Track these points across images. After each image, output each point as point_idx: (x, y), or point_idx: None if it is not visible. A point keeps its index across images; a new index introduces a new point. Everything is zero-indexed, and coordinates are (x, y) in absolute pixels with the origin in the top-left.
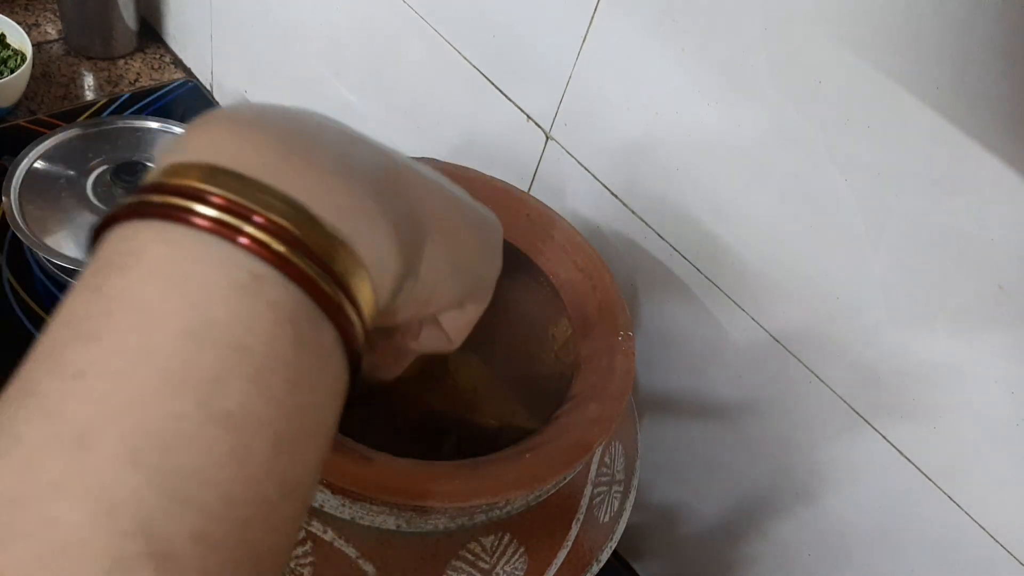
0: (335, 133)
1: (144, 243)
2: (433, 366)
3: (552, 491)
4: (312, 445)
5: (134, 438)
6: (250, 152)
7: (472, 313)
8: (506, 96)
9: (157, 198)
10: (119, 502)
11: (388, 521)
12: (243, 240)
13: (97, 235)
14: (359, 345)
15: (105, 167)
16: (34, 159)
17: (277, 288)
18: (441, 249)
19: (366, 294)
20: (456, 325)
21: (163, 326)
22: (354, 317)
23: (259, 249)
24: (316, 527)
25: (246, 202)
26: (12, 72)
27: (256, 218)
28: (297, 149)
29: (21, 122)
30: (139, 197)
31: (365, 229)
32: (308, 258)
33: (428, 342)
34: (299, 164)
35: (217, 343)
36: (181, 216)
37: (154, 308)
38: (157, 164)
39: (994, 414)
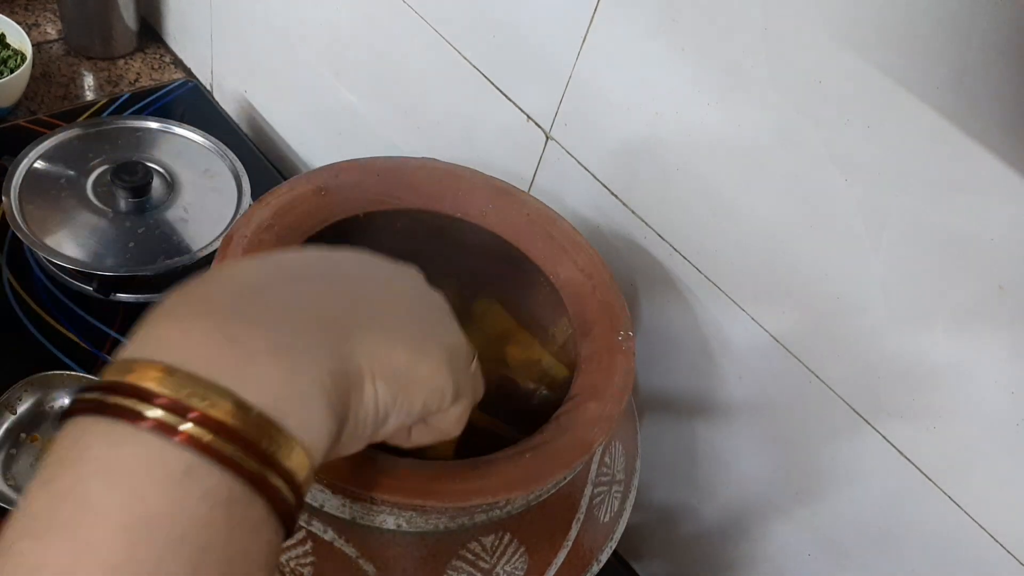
0: (282, 296)
1: (91, 440)
2: (458, 316)
3: (552, 491)
4: None
5: None
6: (192, 347)
7: (460, 408)
8: (506, 96)
9: (108, 398)
10: None
11: (388, 521)
12: (179, 437)
13: (61, 421)
14: (290, 506)
15: (105, 167)
16: (34, 159)
17: (210, 476)
18: (379, 386)
19: (297, 460)
20: (446, 424)
21: (105, 521)
22: (282, 485)
23: (193, 443)
24: (316, 527)
25: (184, 399)
26: (12, 72)
27: (191, 414)
28: (237, 337)
29: (21, 122)
30: (93, 395)
31: (294, 404)
32: (237, 444)
33: (423, 438)
34: (236, 354)
35: (155, 536)
36: (124, 415)
37: (96, 504)
38: (116, 357)
39: (994, 414)
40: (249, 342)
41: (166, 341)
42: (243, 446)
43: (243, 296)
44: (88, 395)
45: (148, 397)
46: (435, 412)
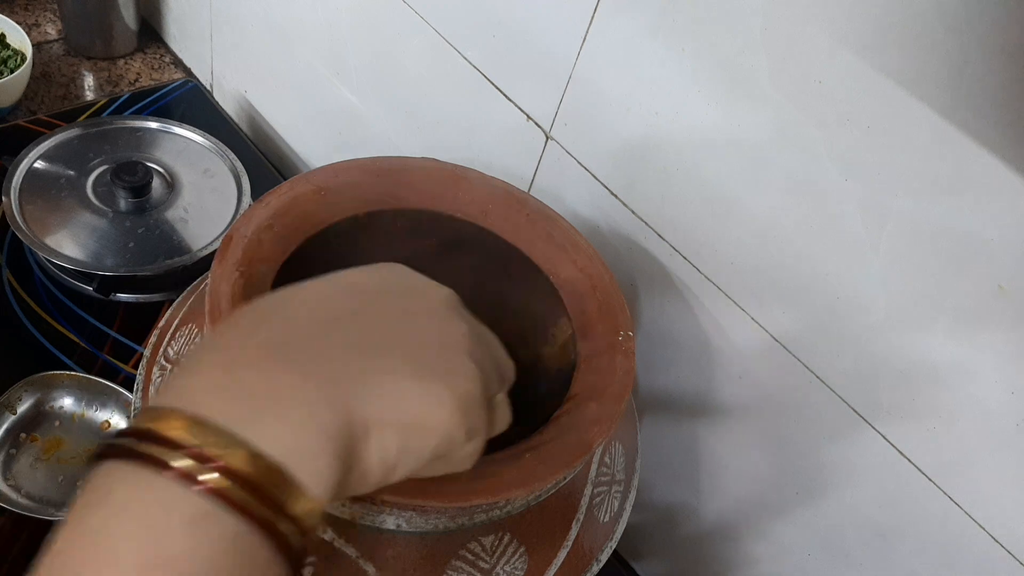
0: (300, 347)
1: (115, 485)
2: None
3: (552, 491)
4: None
5: None
6: (213, 400)
7: (472, 447)
8: (506, 96)
9: (136, 445)
10: None
11: (388, 521)
12: (198, 485)
13: (91, 464)
14: (296, 548)
15: (105, 167)
16: (34, 159)
17: (222, 521)
18: (387, 439)
19: (305, 505)
20: (458, 461)
21: (126, 561)
22: (289, 529)
23: (209, 490)
24: None
25: (205, 450)
26: (12, 72)
27: (211, 464)
28: (254, 391)
29: (21, 122)
30: (124, 440)
31: (302, 455)
32: (249, 490)
33: (435, 471)
34: (252, 408)
35: (170, 574)
36: (150, 462)
37: (119, 546)
38: (152, 401)
39: (994, 414)
40: (264, 397)
41: (190, 392)
42: (254, 493)
43: (263, 348)
44: (119, 440)
45: (174, 445)
46: (446, 455)
